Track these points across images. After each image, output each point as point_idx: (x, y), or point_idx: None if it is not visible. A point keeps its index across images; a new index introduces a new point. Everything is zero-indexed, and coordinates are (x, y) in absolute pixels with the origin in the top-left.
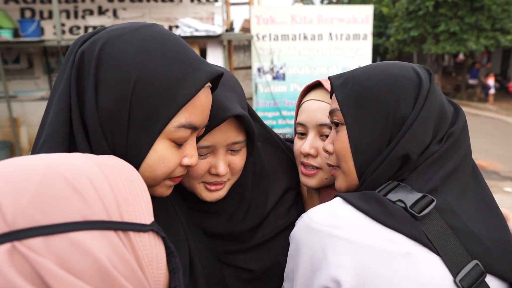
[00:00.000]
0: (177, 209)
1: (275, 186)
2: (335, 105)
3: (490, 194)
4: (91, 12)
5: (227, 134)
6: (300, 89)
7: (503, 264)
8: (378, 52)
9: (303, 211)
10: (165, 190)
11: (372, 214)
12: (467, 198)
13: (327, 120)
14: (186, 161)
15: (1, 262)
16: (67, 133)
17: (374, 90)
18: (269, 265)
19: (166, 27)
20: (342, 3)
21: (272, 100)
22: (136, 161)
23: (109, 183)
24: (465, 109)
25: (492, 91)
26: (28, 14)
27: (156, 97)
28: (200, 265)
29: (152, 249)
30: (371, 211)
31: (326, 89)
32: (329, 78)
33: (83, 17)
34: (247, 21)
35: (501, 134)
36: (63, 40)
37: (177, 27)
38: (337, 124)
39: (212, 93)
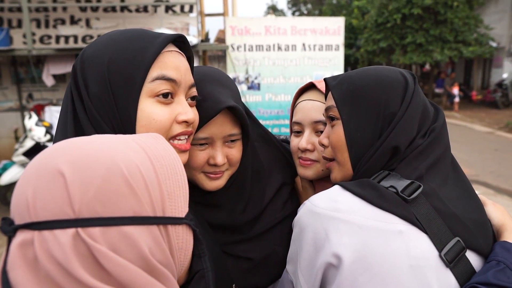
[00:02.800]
0: None
1: (271, 181)
2: (331, 102)
3: (468, 182)
4: (63, 22)
5: (223, 126)
6: (274, 98)
7: (481, 241)
8: (348, 63)
9: (298, 205)
10: None
11: (368, 198)
12: (448, 185)
13: (321, 117)
14: (182, 117)
15: (66, 244)
16: (74, 128)
17: (367, 89)
18: (266, 254)
19: None
20: (313, 15)
21: None
22: (131, 127)
23: (158, 178)
24: None
25: (457, 99)
26: None
27: (127, 67)
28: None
29: (183, 239)
30: (367, 196)
31: (318, 90)
32: (324, 79)
33: (54, 26)
34: (222, 32)
35: (466, 141)
36: (33, 49)
37: None
38: (332, 119)
39: (190, 65)
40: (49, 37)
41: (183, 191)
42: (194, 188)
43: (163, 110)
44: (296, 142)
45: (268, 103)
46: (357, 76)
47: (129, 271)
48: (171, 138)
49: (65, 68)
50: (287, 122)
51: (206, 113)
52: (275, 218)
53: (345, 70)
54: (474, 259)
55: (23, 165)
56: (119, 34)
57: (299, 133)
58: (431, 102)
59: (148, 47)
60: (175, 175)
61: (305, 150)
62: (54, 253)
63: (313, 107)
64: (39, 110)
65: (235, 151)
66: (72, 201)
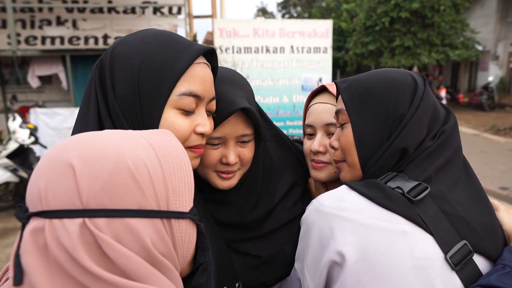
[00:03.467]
0: (194, 198)
1: (282, 181)
2: (341, 105)
3: (480, 186)
4: (49, 23)
5: (236, 127)
6: (263, 100)
7: (489, 245)
8: (337, 65)
9: None
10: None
11: (373, 198)
12: (458, 188)
13: (333, 120)
14: (200, 129)
15: (73, 233)
16: (97, 121)
17: (376, 91)
18: (275, 253)
19: None
20: (303, 17)
21: None
22: None
23: (163, 173)
24: None
25: (444, 102)
26: None
27: (156, 74)
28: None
29: (187, 233)
30: (373, 196)
31: (330, 93)
32: (335, 82)
33: (40, 27)
34: (210, 34)
35: None
36: (18, 50)
37: None
38: (342, 122)
39: (214, 76)
40: (35, 38)
41: (189, 187)
42: (206, 185)
43: (184, 122)
44: (309, 145)
45: None
46: (366, 78)
47: (132, 261)
48: (186, 148)
49: (51, 69)
50: (276, 124)
51: (220, 114)
52: (284, 217)
53: (334, 72)
54: (482, 263)
55: (7, 167)
56: (152, 37)
57: (311, 135)
58: (442, 104)
59: (179, 57)
60: (181, 171)
61: (317, 152)
62: (62, 241)
63: (325, 110)
64: (24, 112)
65: (247, 151)
66: (80, 193)
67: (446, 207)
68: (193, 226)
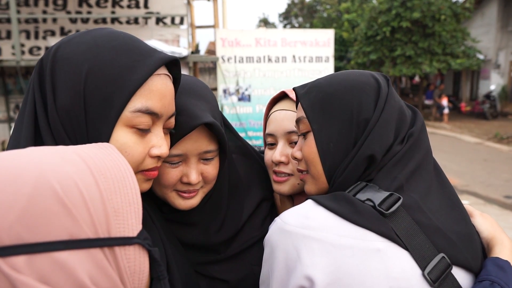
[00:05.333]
0: (153, 217)
1: (250, 197)
2: (301, 113)
3: (452, 190)
4: (53, 33)
5: (199, 142)
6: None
7: (468, 256)
8: None
9: None
10: (141, 185)
11: (342, 213)
12: (431, 195)
13: (295, 128)
14: (155, 151)
15: None
16: (33, 136)
17: (337, 95)
18: (244, 276)
19: None
20: (304, 28)
21: (238, 121)
22: None
23: (101, 193)
24: None
25: (446, 111)
26: None
27: (108, 86)
28: (177, 273)
29: (136, 261)
30: (341, 211)
31: (291, 99)
32: (293, 88)
33: (44, 37)
34: (213, 44)
35: (456, 151)
36: (22, 60)
37: None
38: (304, 131)
39: (176, 88)
40: (39, 48)
41: (135, 207)
42: (165, 205)
43: (138, 143)
44: (270, 155)
45: (259, 114)
46: (326, 82)
47: None
48: (138, 172)
49: None
50: None
51: (180, 129)
52: (253, 236)
53: None
54: (461, 276)
55: None
56: (105, 40)
57: (273, 145)
58: (408, 104)
59: (137, 67)
60: (124, 189)
61: (279, 163)
62: None
63: (286, 117)
64: None
65: (211, 168)
66: None
67: (420, 217)
68: (144, 252)
